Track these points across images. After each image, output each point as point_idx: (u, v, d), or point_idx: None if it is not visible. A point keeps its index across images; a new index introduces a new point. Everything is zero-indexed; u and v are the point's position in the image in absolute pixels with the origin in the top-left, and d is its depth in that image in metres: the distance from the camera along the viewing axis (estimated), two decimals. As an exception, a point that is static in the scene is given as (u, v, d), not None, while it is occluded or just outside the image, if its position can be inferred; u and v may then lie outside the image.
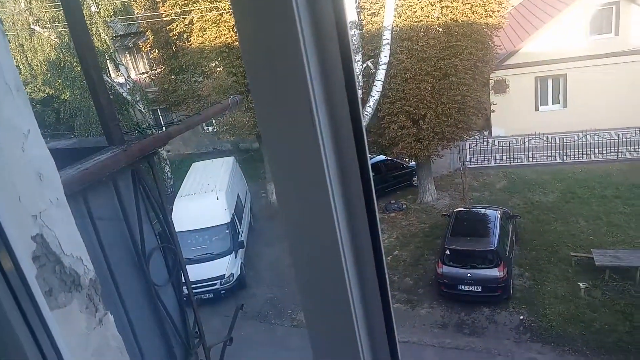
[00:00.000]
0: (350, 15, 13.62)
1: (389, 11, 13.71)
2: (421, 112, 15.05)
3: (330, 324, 0.93)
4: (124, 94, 19.84)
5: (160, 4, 17.19)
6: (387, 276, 0.94)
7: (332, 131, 0.81)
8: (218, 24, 15.98)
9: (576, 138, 18.60)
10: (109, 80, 19.48)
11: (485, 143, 19.62)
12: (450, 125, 15.22)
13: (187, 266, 4.13)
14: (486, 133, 20.87)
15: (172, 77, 19.58)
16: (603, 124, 18.89)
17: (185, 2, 16.35)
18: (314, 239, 0.88)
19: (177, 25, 17.08)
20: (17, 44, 19.32)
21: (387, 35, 13.90)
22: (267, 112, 0.81)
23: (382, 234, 17.15)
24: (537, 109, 20.59)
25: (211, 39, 16.05)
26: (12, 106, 1.04)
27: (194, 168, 17.85)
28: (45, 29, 19.27)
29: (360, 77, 14.36)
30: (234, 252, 14.48)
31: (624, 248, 12.99)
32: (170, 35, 17.78)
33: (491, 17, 14.74)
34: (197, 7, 16.19)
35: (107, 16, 19.67)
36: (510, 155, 18.93)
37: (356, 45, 14.10)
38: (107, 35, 19.51)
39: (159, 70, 21.53)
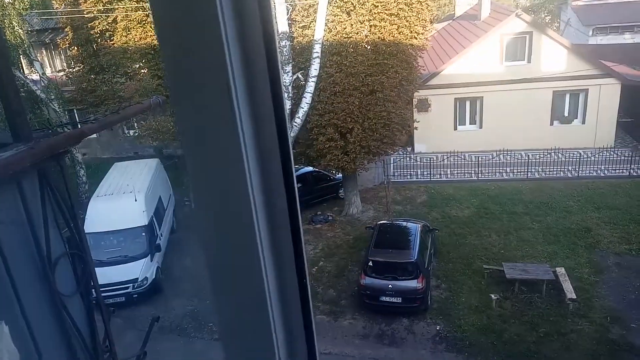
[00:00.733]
0: (282, 26, 13.65)
1: (320, 25, 13.90)
2: (349, 126, 15.32)
3: (247, 334, 0.89)
4: (38, 92, 18.56)
5: (82, 0, 16.35)
6: (309, 287, 0.91)
7: (256, 139, 0.79)
8: (144, 24, 15.43)
9: (490, 157, 19.74)
10: (21, 76, 18.16)
11: (408, 159, 20.32)
12: (376, 140, 15.61)
13: (99, 269, 3.86)
14: (409, 149, 21.63)
15: (92, 76, 18.62)
16: (515, 144, 20.24)
17: (109, 0, 15.65)
18: (234, 247, 0.84)
19: (99, 23, 16.32)
20: None
21: (317, 48, 14.06)
22: (188, 119, 0.77)
23: (308, 245, 17.24)
24: (455, 128, 21.65)
25: (136, 40, 15.46)
26: None
27: (115, 167, 17.25)
28: (-52, 17, 17.66)
29: (290, 88, 14.39)
30: (149, 256, 14.14)
31: (531, 262, 13.84)
32: (92, 33, 16.96)
33: (416, 38, 15.35)
34: (121, 6, 15.56)
35: (23, 8, 18.37)
36: (430, 171, 19.72)
37: (287, 57, 14.14)
38: (21, 28, 18.20)
39: (77, 68, 20.41)
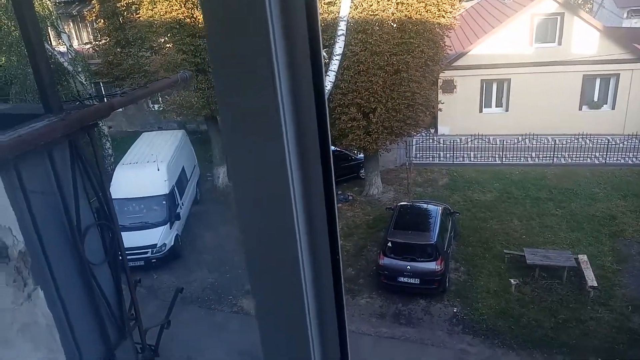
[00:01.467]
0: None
1: (346, 2, 13.69)
2: (372, 106, 15.19)
3: (282, 317, 0.91)
4: (65, 64, 18.79)
5: (109, -28, 16.39)
6: (342, 275, 0.92)
7: (297, 137, 0.79)
8: (170, -2, 15.38)
9: (515, 141, 19.40)
10: (49, 48, 18.36)
11: (431, 140, 20.09)
12: (399, 121, 15.46)
13: (122, 233, 3.94)
14: (432, 131, 21.38)
15: (118, 49, 18.75)
16: (542, 129, 19.85)
17: (136, -28, 15.65)
18: (271, 227, 0.84)
19: (125, -4, 16.34)
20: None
21: (342, 26, 13.87)
22: (230, 97, 0.77)
23: (327, 223, 17.35)
24: (481, 111, 21.29)
25: (161, 13, 15.45)
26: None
27: (142, 138, 17.85)
28: (-20, -11, 17.89)
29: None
30: (169, 223, 14.67)
31: (553, 248, 13.69)
32: (118, 5, 17.01)
33: (444, 17, 15.03)
34: (148, -21, 15.52)
35: (50, -20, 18.52)
36: (453, 153, 19.49)
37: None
38: (49, 0, 18.37)
39: (103, 41, 20.55)
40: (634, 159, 18.51)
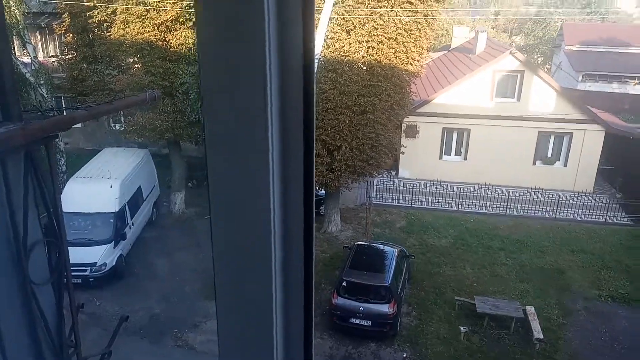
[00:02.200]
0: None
1: (319, 41, 13.98)
2: (337, 144, 15.36)
3: (246, 315, 0.89)
4: (27, 75, 18.25)
5: (84, -13, 16.24)
6: (313, 280, 0.90)
7: (282, 139, 0.80)
8: (143, 19, 15.32)
9: (472, 189, 19.95)
10: (12, 57, 17.83)
11: (391, 182, 20.42)
12: (363, 161, 15.66)
13: (68, 253, 3.74)
14: (393, 173, 21.76)
15: (84, 65, 18.41)
16: (497, 180, 20.53)
17: (112, -9, 15.58)
18: (246, 231, 0.84)
19: (98, 13, 16.18)
20: None
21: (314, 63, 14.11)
22: (217, 112, 0.78)
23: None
24: (441, 157, 21.87)
25: (133, 34, 15.34)
26: None
27: (104, 152, 17.64)
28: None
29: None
30: (112, 242, 14.34)
31: (503, 298, 13.93)
32: (89, 22, 16.80)
33: (411, 64, 15.54)
34: (123, -1, 15.46)
35: (22, -11, 18.17)
36: (412, 197, 19.83)
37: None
38: (18, 9, 17.95)
39: (70, 56, 20.15)
40: (583, 216, 19.29)
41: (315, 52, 11.55)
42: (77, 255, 12.89)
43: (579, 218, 19.21)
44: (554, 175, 20.95)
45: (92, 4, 16.11)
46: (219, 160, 0.80)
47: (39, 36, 24.00)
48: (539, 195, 19.86)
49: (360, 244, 14.53)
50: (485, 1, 48.30)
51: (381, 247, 14.55)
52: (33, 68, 18.52)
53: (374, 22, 14.69)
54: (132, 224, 15.63)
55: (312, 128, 0.81)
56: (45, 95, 18.42)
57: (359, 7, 14.59)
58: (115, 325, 4.81)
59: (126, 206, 15.24)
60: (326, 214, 17.62)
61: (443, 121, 21.21)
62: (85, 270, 13.52)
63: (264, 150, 0.77)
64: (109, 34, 16.37)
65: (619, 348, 12.44)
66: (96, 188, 14.77)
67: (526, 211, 19.57)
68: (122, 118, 21.02)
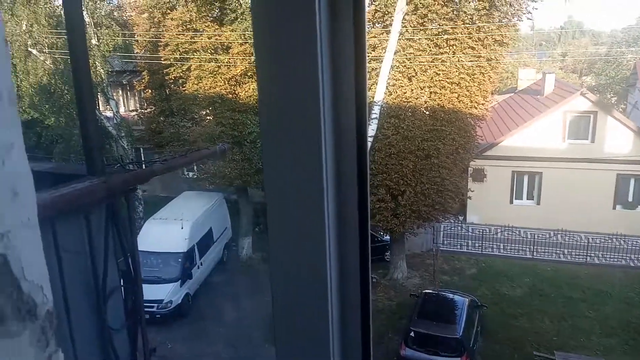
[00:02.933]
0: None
1: (381, 88, 14.17)
2: (401, 188, 15.23)
3: (302, 316, 0.91)
4: (109, 128, 19.72)
5: (161, 48, 17.53)
6: (370, 275, 0.95)
7: (336, 170, 0.86)
8: (215, 75, 16.27)
9: (547, 236, 18.95)
10: (96, 112, 19.38)
11: (459, 228, 19.82)
12: (428, 205, 15.38)
13: (143, 298, 3.91)
14: (461, 218, 21.14)
15: (161, 118, 19.62)
16: (574, 225, 19.37)
17: (186, 50, 16.70)
18: (301, 223, 0.87)
19: (174, 70, 17.34)
20: (11, 63, 19.22)
21: (376, 110, 14.28)
22: (275, 146, 0.83)
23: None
24: (511, 202, 21.06)
25: (206, 88, 16.29)
26: (1, 115, 1.00)
27: (182, 195, 18.77)
28: (42, 54, 19.32)
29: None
30: (180, 281, 14.91)
31: (586, 354, 12.89)
32: (166, 78, 18.00)
33: (476, 108, 15.33)
34: (196, 56, 16.53)
35: (107, 51, 19.89)
36: (482, 243, 19.09)
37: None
38: (103, 69, 19.64)
39: (149, 110, 21.58)
40: (673, 264, 17.74)
41: (377, 100, 11.71)
42: (146, 291, 13.48)
43: (669, 266, 17.68)
44: (637, 220, 19.53)
45: (169, 62, 17.32)
46: (274, 185, 0.84)
47: (120, 92, 25.98)
48: (622, 242, 18.51)
49: (428, 292, 14.07)
50: (552, 43, 47.27)
51: (450, 296, 14.01)
52: (115, 122, 19.98)
53: (436, 67, 14.73)
54: (201, 264, 16.26)
55: (366, 154, 0.86)
56: (126, 147, 19.75)
57: (420, 55, 14.73)
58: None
59: (195, 247, 15.92)
60: (392, 260, 17.29)
61: (512, 164, 20.55)
62: (152, 307, 13.96)
63: (317, 172, 0.81)
64: (184, 89, 17.46)
65: None
66: (169, 229, 15.58)
67: (608, 259, 18.25)
68: (195, 167, 22.03)
